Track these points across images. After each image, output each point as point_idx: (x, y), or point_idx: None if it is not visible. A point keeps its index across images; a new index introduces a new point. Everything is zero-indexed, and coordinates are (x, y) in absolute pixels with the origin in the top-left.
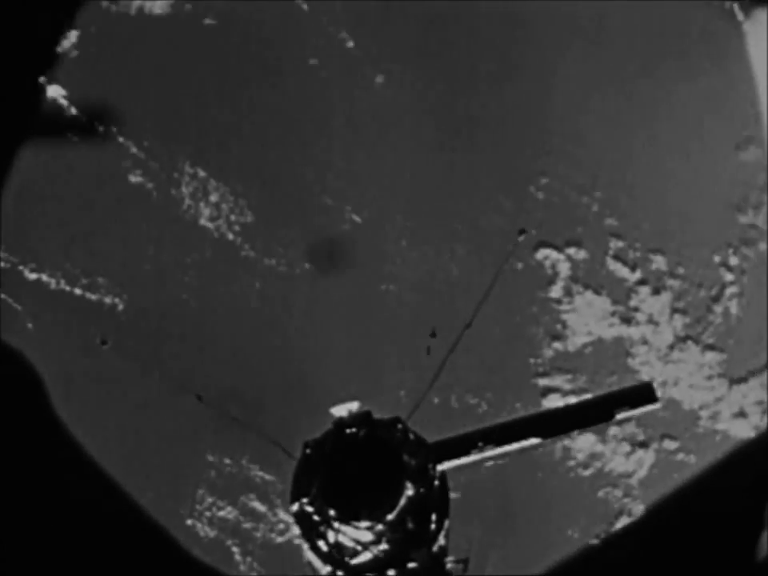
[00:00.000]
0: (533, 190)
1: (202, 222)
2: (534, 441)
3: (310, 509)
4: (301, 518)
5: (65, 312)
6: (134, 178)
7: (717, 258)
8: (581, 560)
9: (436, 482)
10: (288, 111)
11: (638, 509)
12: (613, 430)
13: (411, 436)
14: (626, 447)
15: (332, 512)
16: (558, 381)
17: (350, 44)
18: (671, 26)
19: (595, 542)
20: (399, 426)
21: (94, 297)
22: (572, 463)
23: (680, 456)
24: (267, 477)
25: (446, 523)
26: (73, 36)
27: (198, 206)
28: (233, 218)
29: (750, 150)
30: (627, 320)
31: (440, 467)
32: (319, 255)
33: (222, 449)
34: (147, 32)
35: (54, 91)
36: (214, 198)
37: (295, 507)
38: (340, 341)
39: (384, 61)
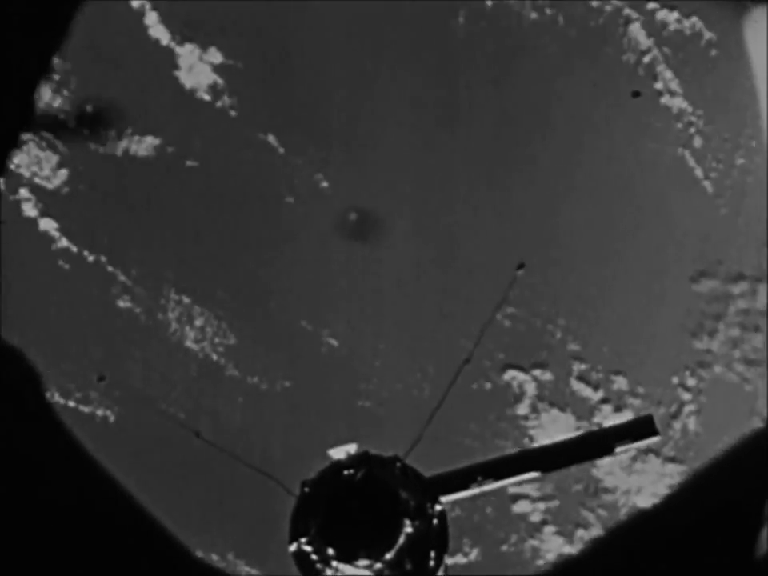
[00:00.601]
0: (500, 318)
1: (188, 343)
2: (533, 475)
3: (308, 548)
4: (299, 557)
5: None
6: (123, 303)
7: (675, 379)
8: (579, 558)
9: (434, 521)
10: (266, 245)
11: None
12: (580, 533)
13: (409, 474)
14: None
15: (330, 551)
16: (526, 488)
17: (324, 184)
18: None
19: (594, 540)
20: (398, 464)
21: (86, 409)
22: (541, 562)
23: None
24: (253, 572)
25: (445, 559)
26: (63, 174)
27: (183, 329)
28: (217, 340)
29: (702, 282)
30: None
31: (438, 506)
32: (298, 374)
33: (208, 544)
34: (133, 172)
35: (46, 224)
36: (198, 322)
37: (293, 547)
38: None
39: (356, 200)
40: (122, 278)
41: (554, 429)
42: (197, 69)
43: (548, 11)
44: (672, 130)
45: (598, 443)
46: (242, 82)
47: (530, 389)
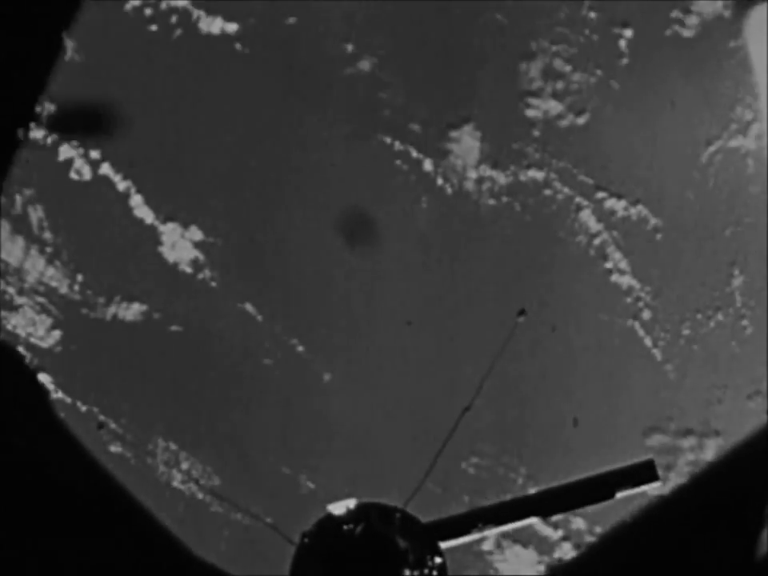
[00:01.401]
0: (464, 467)
1: (175, 484)
2: (533, 520)
3: None
4: None
5: None
6: (114, 448)
7: (629, 520)
8: (578, 559)
9: (434, 572)
10: (246, 401)
11: None
12: None
13: (410, 524)
14: None
15: None
16: None
17: (300, 348)
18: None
19: (594, 540)
20: (398, 515)
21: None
22: None
23: None
24: None
25: None
26: (56, 335)
27: (171, 472)
28: (202, 481)
29: (654, 436)
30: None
31: (438, 558)
32: (279, 512)
33: None
34: (121, 334)
35: (42, 378)
36: (184, 465)
37: None
38: None
39: (331, 361)
40: (113, 425)
41: (518, 563)
42: (179, 245)
43: (504, 199)
44: (622, 303)
45: (599, 488)
46: (220, 257)
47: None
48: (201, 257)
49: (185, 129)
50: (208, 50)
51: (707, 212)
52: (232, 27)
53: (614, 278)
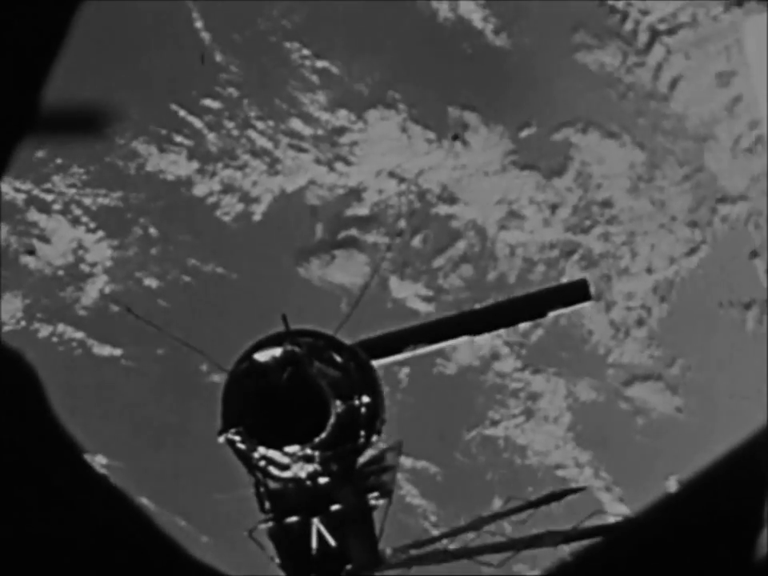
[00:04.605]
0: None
1: None
2: (465, 338)
3: (237, 438)
4: (230, 444)
5: None
6: None
7: None
8: (577, 560)
9: (363, 410)
10: None
11: None
12: None
13: (339, 351)
14: None
15: (260, 444)
16: None
17: (205, 539)
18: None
19: (593, 540)
20: (326, 344)
21: None
22: None
23: None
24: None
25: (375, 438)
26: None
27: None
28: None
29: None
30: None
31: (366, 398)
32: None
33: None
34: None
35: None
36: None
37: (221, 438)
38: None
39: None
40: None
41: None
42: None
43: None
44: (417, 524)
45: (531, 307)
46: None
47: None
48: None
49: (97, 432)
50: (101, 367)
51: None
52: (118, 351)
53: (408, 499)
